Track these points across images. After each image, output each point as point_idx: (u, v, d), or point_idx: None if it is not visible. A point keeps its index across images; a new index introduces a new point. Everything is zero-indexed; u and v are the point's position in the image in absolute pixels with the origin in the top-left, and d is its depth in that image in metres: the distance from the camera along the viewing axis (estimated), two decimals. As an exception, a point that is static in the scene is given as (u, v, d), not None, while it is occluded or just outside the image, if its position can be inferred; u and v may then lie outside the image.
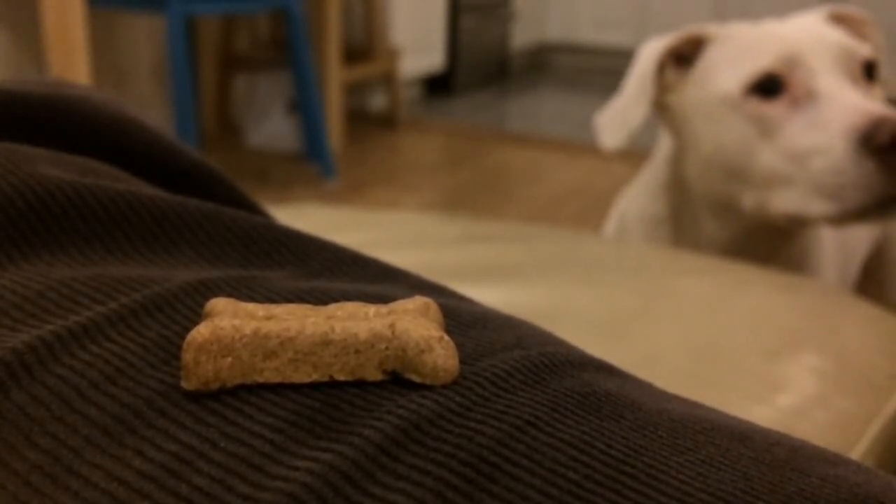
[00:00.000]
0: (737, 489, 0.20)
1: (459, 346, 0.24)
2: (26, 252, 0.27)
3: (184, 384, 0.21)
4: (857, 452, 0.43)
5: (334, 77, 2.61)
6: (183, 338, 0.23)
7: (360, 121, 3.08)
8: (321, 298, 0.26)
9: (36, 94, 0.33)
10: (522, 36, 4.24)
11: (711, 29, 0.80)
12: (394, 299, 0.26)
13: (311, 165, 2.42)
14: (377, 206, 2.19)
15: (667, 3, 4.08)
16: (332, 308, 0.23)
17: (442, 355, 0.21)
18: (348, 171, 2.48)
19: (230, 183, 0.36)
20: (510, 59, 4.17)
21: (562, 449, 0.20)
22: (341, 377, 0.21)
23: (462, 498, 0.18)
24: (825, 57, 0.73)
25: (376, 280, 0.30)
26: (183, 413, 0.20)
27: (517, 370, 0.23)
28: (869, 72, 0.75)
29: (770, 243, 0.81)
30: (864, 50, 0.75)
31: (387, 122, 3.07)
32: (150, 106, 2.50)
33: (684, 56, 0.81)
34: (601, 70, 4.29)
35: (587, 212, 2.20)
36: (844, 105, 0.70)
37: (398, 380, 0.22)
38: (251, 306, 0.22)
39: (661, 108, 0.84)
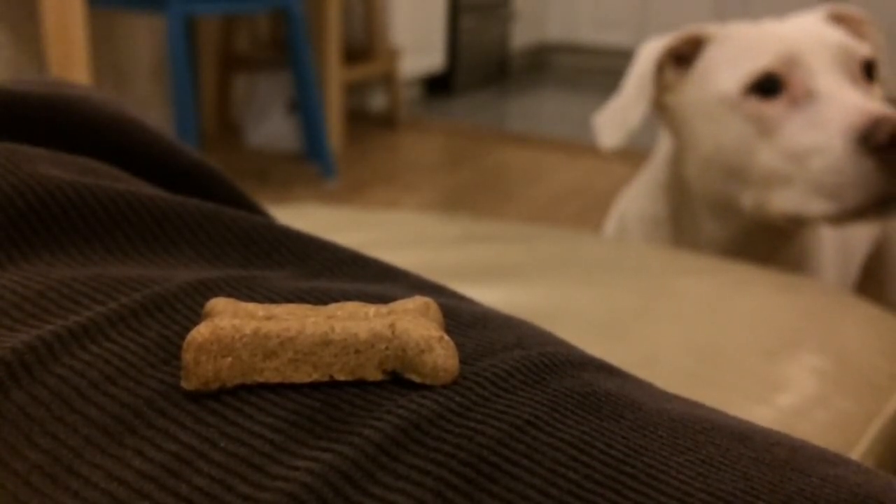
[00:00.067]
0: (737, 489, 0.20)
1: (459, 346, 0.24)
2: (26, 252, 0.27)
3: (184, 384, 0.21)
4: (857, 452, 0.43)
5: (334, 77, 2.61)
6: (183, 338, 0.23)
7: (360, 121, 3.08)
8: (321, 298, 0.26)
9: (36, 94, 0.33)
10: (522, 36, 4.24)
11: (711, 29, 0.80)
12: (394, 299, 0.26)
13: (311, 165, 2.42)
14: (377, 206, 2.19)
15: (667, 3, 4.08)
16: (332, 308, 0.23)
17: (442, 355, 0.21)
18: (348, 171, 2.48)
19: (230, 183, 0.36)
20: (510, 59, 4.17)
21: (562, 449, 0.20)
22: (341, 377, 0.21)
23: (462, 498, 0.18)
24: (824, 56, 0.73)
25: (376, 280, 0.30)
26: (183, 413, 0.20)
27: (517, 370, 0.23)
28: (868, 71, 0.75)
29: (770, 243, 0.81)
30: (864, 49, 0.75)
31: (387, 122, 3.07)
32: (150, 106, 2.50)
33: (684, 56, 0.81)
34: (601, 70, 4.29)
35: (587, 212, 2.20)
36: (843, 104, 0.70)
37: (398, 380, 0.22)
38: (251, 306, 0.22)
39: (661, 108, 0.84)
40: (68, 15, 1.61)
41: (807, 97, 0.72)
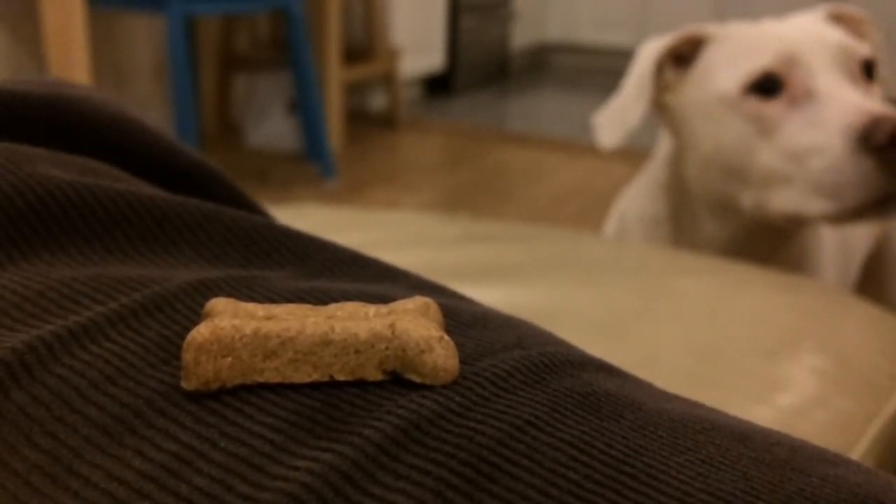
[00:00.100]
0: (737, 489, 0.20)
1: (459, 346, 0.24)
2: (26, 252, 0.27)
3: (184, 384, 0.21)
4: (857, 452, 0.43)
5: (334, 77, 2.61)
6: (183, 338, 0.23)
7: (360, 121, 3.08)
8: (321, 298, 0.26)
9: (36, 94, 0.33)
10: (522, 36, 4.24)
11: (710, 29, 0.80)
12: (394, 299, 0.26)
13: (311, 165, 2.42)
14: (377, 206, 2.19)
15: (667, 3, 4.08)
16: (332, 308, 0.23)
17: (442, 355, 0.21)
18: (348, 171, 2.48)
19: (230, 183, 0.36)
20: (510, 59, 4.17)
21: (562, 449, 0.20)
22: (341, 377, 0.21)
23: (462, 498, 0.18)
24: (824, 56, 0.73)
25: (376, 280, 0.30)
26: (183, 413, 0.20)
27: (517, 370, 0.23)
28: (868, 71, 0.75)
29: (770, 243, 0.81)
30: (863, 49, 0.75)
31: (387, 122, 3.07)
32: (150, 106, 2.50)
33: (683, 56, 0.81)
34: (601, 70, 4.29)
35: (587, 212, 2.20)
36: (843, 104, 0.70)
37: (398, 380, 0.22)
38: (251, 306, 0.22)
39: (661, 108, 0.84)
40: (68, 15, 1.61)
41: (806, 97, 0.72)
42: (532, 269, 0.61)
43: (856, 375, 0.49)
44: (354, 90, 3.17)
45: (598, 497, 0.19)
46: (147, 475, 0.19)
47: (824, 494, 0.20)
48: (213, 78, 2.72)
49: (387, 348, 0.21)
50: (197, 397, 0.21)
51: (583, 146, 2.79)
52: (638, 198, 0.89)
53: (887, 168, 0.67)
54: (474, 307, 0.29)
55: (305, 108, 2.22)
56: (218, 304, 0.23)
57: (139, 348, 0.22)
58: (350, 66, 2.74)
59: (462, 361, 0.23)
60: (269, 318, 0.22)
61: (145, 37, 2.46)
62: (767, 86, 0.73)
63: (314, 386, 0.21)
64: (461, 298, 0.30)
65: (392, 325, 0.21)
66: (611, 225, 0.94)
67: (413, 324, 0.22)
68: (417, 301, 0.23)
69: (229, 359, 0.21)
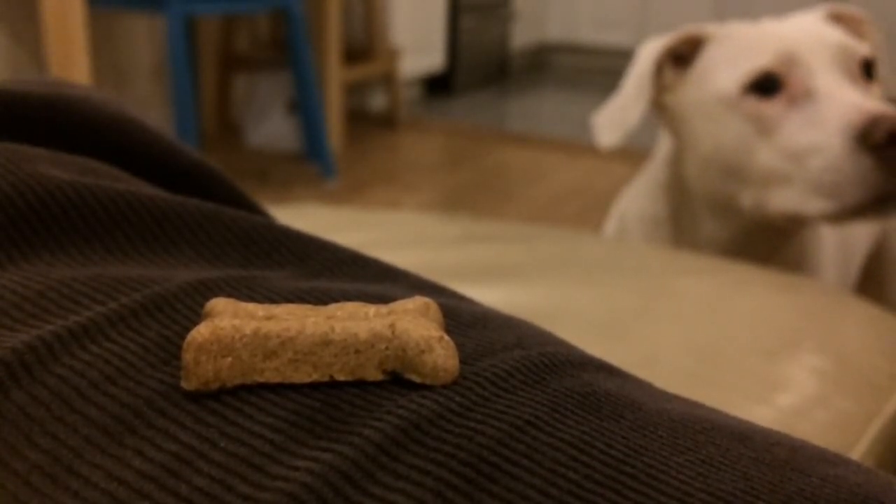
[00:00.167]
0: (737, 489, 0.20)
1: (459, 346, 0.24)
2: (26, 252, 0.27)
3: (184, 384, 0.21)
4: (857, 452, 0.43)
5: (334, 77, 2.61)
6: (183, 338, 0.23)
7: (360, 121, 3.08)
8: (321, 298, 0.26)
9: (36, 94, 0.33)
10: (522, 36, 4.24)
11: (710, 28, 0.80)
12: (394, 299, 0.26)
13: (311, 165, 2.42)
14: (377, 206, 2.19)
15: (667, 3, 4.08)
16: (332, 308, 0.23)
17: (442, 355, 0.21)
18: (348, 171, 2.48)
19: (230, 183, 0.36)
20: (510, 59, 4.17)
21: (562, 449, 0.20)
22: (341, 377, 0.21)
23: (462, 498, 0.18)
24: (823, 56, 0.73)
25: (376, 280, 0.30)
26: (183, 413, 0.20)
27: (517, 370, 0.23)
28: (868, 70, 0.75)
29: (770, 243, 0.81)
30: (863, 49, 0.75)
31: (387, 122, 3.07)
32: (150, 106, 2.50)
33: (683, 56, 0.81)
34: (601, 70, 4.29)
35: (587, 212, 2.20)
36: (842, 103, 0.70)
37: (398, 380, 0.22)
38: (251, 306, 0.23)
39: (660, 108, 0.84)
40: (68, 15, 1.61)
41: (805, 96, 0.72)
42: (532, 269, 0.61)
43: (856, 375, 0.49)
44: (354, 90, 3.17)
45: (598, 497, 0.19)
46: (147, 475, 0.19)
47: (824, 494, 0.20)
48: (213, 78, 2.72)
49: (387, 348, 0.21)
50: (197, 397, 0.21)
51: (583, 146, 2.79)
52: (638, 198, 0.89)
53: (886, 167, 0.67)
54: (474, 307, 0.29)
55: (305, 108, 2.22)
56: (218, 304, 0.23)
57: (139, 348, 0.22)
58: (350, 66, 2.74)
59: (462, 361, 0.23)
60: (269, 318, 0.22)
61: (145, 37, 2.46)
62: (767, 85, 0.73)
63: (314, 386, 0.21)
64: (461, 298, 0.30)
65: (392, 325, 0.21)
66: (611, 225, 0.94)
67: (413, 324, 0.22)
68: (417, 301, 0.23)
69: (229, 359, 0.21)
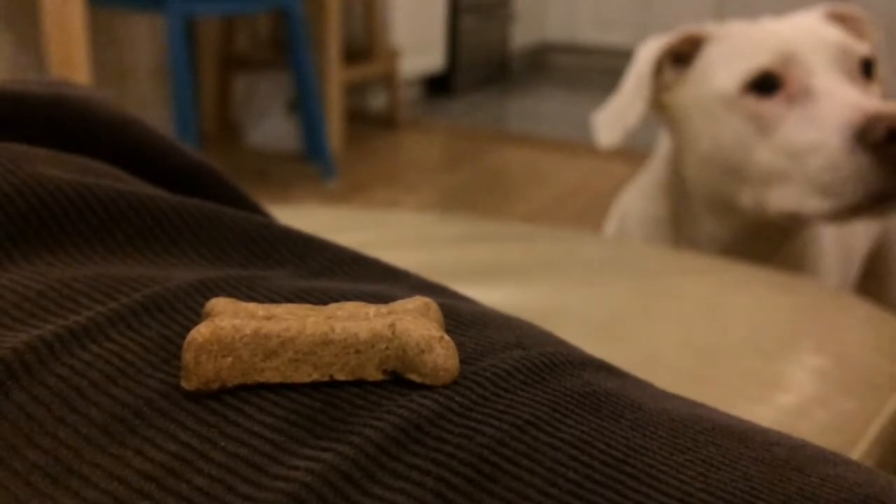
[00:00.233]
0: (737, 489, 0.20)
1: (459, 346, 0.24)
2: (26, 252, 0.27)
3: (184, 384, 0.21)
4: (857, 452, 0.43)
5: (334, 77, 2.61)
6: (183, 338, 0.23)
7: (360, 121, 3.08)
8: (321, 298, 0.26)
9: (36, 94, 0.33)
10: (522, 36, 4.23)
11: (709, 28, 0.80)
12: (394, 299, 0.26)
13: (311, 165, 2.42)
14: (377, 206, 2.19)
15: (667, 3, 4.08)
16: (333, 308, 0.23)
17: (442, 355, 0.21)
18: (348, 171, 2.48)
19: (230, 183, 0.36)
20: (510, 59, 4.17)
21: (562, 449, 0.20)
22: (341, 377, 0.21)
23: (462, 498, 0.18)
24: (822, 55, 0.73)
25: (376, 280, 0.30)
26: (183, 413, 0.20)
27: (517, 370, 0.23)
28: (867, 70, 0.75)
29: (770, 242, 0.81)
30: (862, 48, 0.75)
31: (387, 122, 3.07)
32: (150, 106, 2.50)
33: (683, 55, 0.81)
34: (601, 70, 4.29)
35: (587, 212, 2.20)
36: (840, 102, 0.70)
37: (398, 380, 0.22)
38: (251, 306, 0.23)
39: (660, 107, 0.84)
40: (68, 15, 1.61)
41: (805, 95, 0.72)
42: (532, 269, 0.61)
43: (856, 375, 0.49)
44: (354, 90, 3.17)
45: (598, 497, 0.19)
46: (147, 475, 0.19)
47: (824, 494, 0.20)
48: (213, 78, 2.72)
49: (387, 348, 0.21)
50: (197, 397, 0.21)
51: (583, 146, 2.79)
52: (638, 198, 0.89)
53: (885, 165, 0.67)
54: (474, 307, 0.29)
55: (305, 108, 2.22)
56: (218, 303, 0.23)
57: (139, 348, 0.22)
58: (350, 66, 2.74)
59: (462, 361, 0.23)
60: (269, 317, 0.22)
61: (145, 37, 2.46)
62: (766, 85, 0.73)
63: (314, 386, 0.21)
64: (461, 298, 0.30)
65: (392, 325, 0.21)
66: (611, 225, 0.94)
67: (413, 324, 0.22)
68: (417, 301, 0.23)
69: (229, 358, 0.21)
